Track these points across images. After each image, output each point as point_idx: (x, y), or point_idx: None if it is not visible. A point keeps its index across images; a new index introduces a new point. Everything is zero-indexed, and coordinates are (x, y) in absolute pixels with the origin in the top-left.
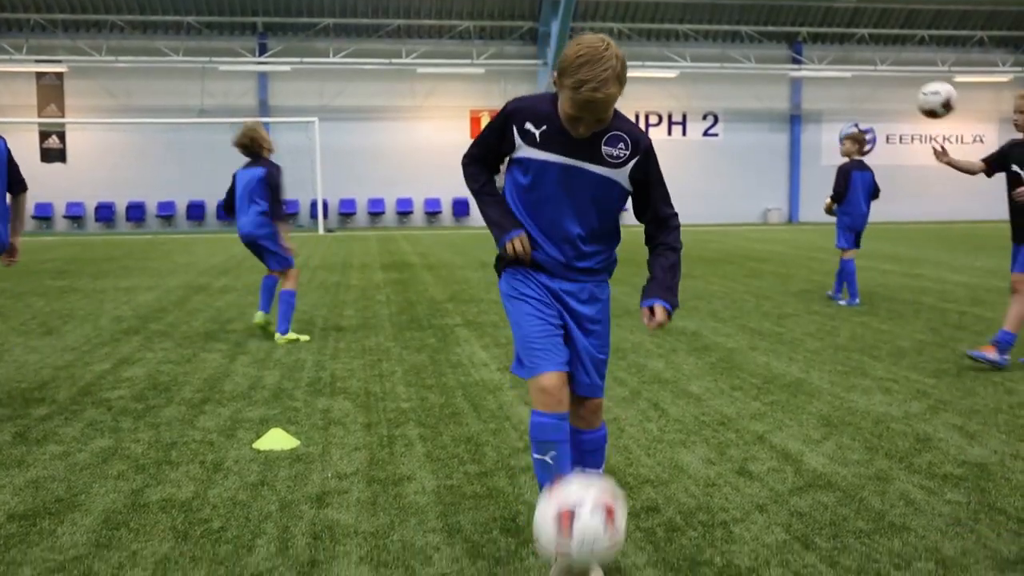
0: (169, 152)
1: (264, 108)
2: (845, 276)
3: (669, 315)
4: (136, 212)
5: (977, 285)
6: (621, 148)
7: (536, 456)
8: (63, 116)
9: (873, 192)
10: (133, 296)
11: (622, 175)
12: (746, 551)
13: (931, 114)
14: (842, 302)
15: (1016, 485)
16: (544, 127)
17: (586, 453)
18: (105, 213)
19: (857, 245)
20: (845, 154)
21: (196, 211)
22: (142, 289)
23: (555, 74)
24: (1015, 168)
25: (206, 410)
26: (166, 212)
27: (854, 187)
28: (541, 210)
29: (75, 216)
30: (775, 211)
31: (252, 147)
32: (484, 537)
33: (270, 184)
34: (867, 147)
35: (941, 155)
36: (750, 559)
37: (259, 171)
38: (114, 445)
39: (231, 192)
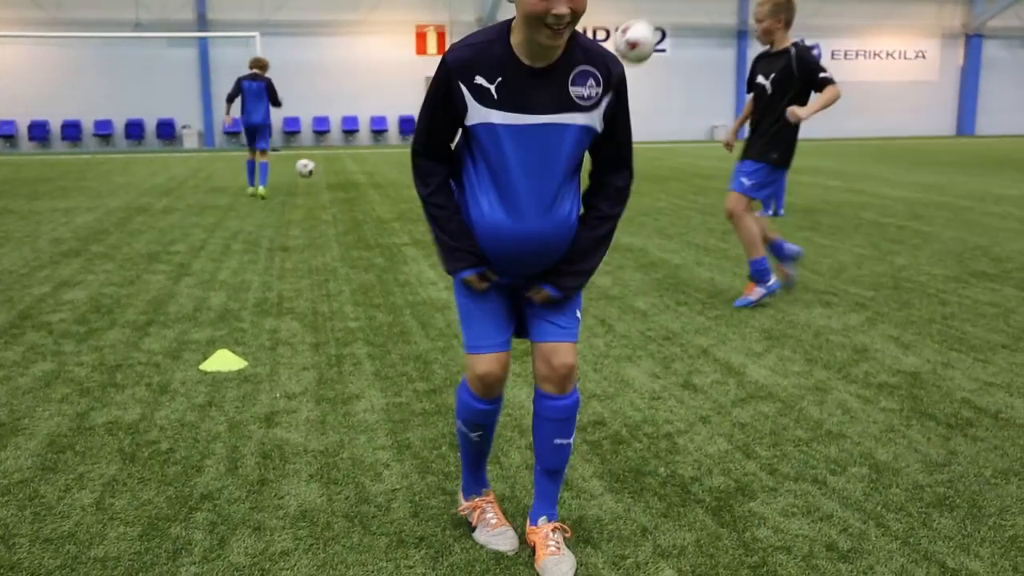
0: (104, 68)
1: (202, 22)
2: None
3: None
4: (72, 131)
5: (916, 200)
6: (591, 86)
7: (461, 428)
8: None
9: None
10: (72, 218)
11: (596, 117)
12: (689, 461)
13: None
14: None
15: (946, 392)
16: (500, 78)
17: (553, 422)
18: (39, 132)
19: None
20: None
21: (135, 130)
22: (81, 210)
23: None
24: (760, 80)
25: (151, 332)
26: (103, 131)
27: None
28: (505, 182)
29: (6, 135)
30: (722, 128)
31: (261, 68)
32: (433, 453)
33: (273, 89)
34: None
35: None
36: (693, 469)
37: (264, 82)
38: (57, 368)
39: (237, 92)
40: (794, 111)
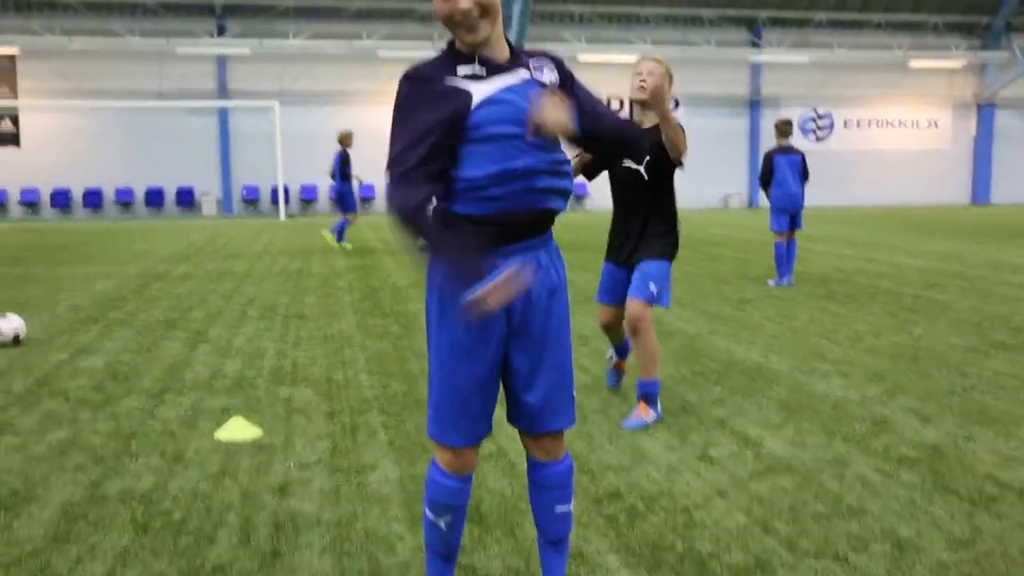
0: (127, 137)
1: (223, 91)
2: (775, 257)
3: None
4: (93, 198)
5: (931, 269)
6: (549, 71)
7: (428, 515)
8: (16, 98)
9: (803, 174)
10: (91, 284)
11: None
12: (707, 536)
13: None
14: (771, 283)
15: (968, 466)
16: (474, 60)
17: (550, 490)
18: (61, 199)
19: (792, 227)
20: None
21: (155, 198)
22: (100, 277)
23: None
24: (629, 163)
25: (166, 400)
26: (124, 199)
27: (780, 170)
28: (499, 161)
29: (30, 203)
30: (735, 196)
31: (340, 140)
32: None
33: (339, 161)
34: (791, 132)
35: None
36: (711, 544)
37: (338, 154)
38: (72, 436)
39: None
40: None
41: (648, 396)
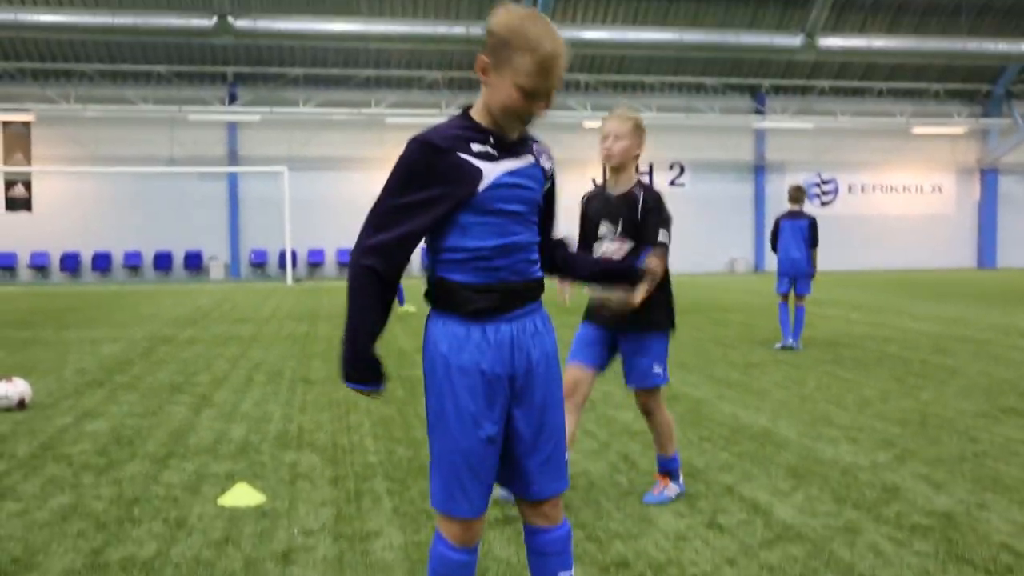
0: (137, 201)
1: (233, 157)
2: (779, 319)
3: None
4: (102, 262)
5: (939, 333)
6: (549, 162)
7: None
8: (29, 164)
9: (808, 239)
10: (97, 348)
11: (546, 186)
12: None
13: None
14: (776, 346)
15: (983, 535)
16: (488, 138)
17: (551, 556)
18: (70, 263)
19: (798, 290)
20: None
21: (163, 261)
22: (107, 340)
23: (485, 58)
24: (606, 229)
25: (170, 465)
26: (132, 262)
27: (783, 234)
28: (503, 237)
29: (40, 266)
30: (741, 260)
31: None
32: None
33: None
34: (800, 197)
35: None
36: None
37: None
38: (74, 502)
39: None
40: (653, 264)
41: (670, 472)
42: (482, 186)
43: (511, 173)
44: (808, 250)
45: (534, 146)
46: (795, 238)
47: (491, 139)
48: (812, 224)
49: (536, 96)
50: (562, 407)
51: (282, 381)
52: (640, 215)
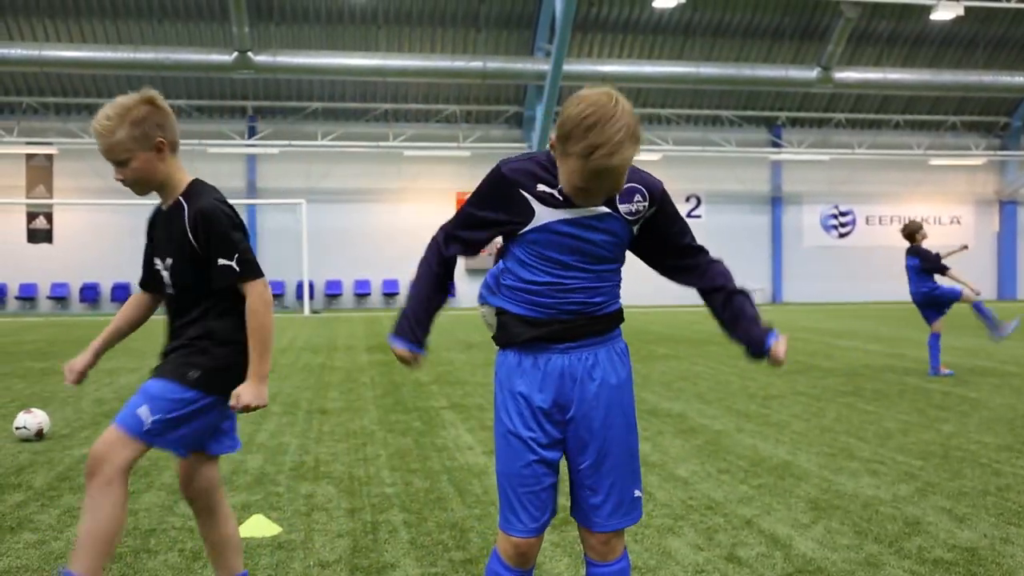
0: None
1: (252, 190)
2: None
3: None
4: (121, 292)
5: (960, 365)
6: (638, 201)
7: None
8: (51, 197)
9: (921, 270)
10: (116, 378)
11: (636, 226)
12: None
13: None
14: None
15: (1007, 570)
16: (558, 186)
17: None
18: (90, 294)
19: (929, 319)
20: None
21: None
22: (125, 371)
23: (553, 138)
24: (159, 267)
25: None
26: None
27: (906, 270)
28: (555, 276)
29: (59, 297)
30: (758, 291)
31: None
32: None
33: None
34: (909, 235)
35: None
36: None
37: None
38: None
39: None
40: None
41: None
42: (531, 226)
43: (567, 222)
44: (923, 283)
45: (617, 198)
46: (909, 274)
47: (558, 187)
48: (922, 258)
49: (590, 193)
50: (629, 441)
51: (298, 412)
52: (195, 238)
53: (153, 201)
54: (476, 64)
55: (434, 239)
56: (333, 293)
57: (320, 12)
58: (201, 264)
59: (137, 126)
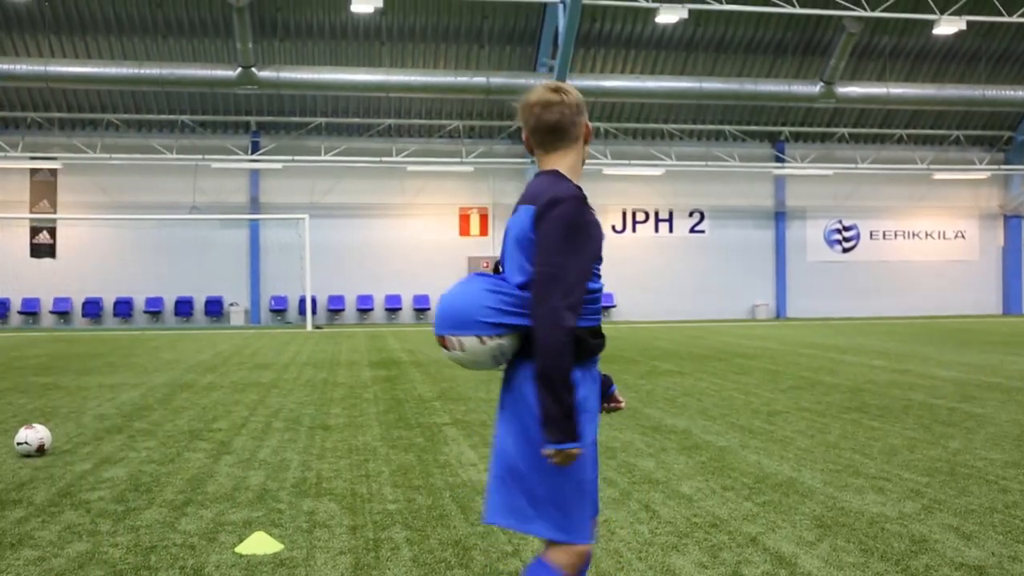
0: (159, 248)
1: (255, 205)
2: None
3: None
4: (123, 308)
5: (966, 381)
6: None
7: None
8: (55, 212)
9: None
10: (117, 393)
11: None
12: None
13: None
14: None
15: None
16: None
17: None
18: (92, 308)
19: None
20: None
21: (184, 307)
22: (127, 386)
23: (586, 124)
24: None
25: (188, 512)
26: (154, 308)
27: None
28: (600, 281)
29: (62, 312)
30: (762, 307)
31: None
32: None
33: None
34: None
35: None
36: None
37: None
38: (92, 549)
39: None
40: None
41: None
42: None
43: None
44: None
45: None
46: None
47: None
48: None
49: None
50: None
51: (300, 428)
52: None
53: (150, 216)
54: (479, 80)
55: (557, 325)
56: (336, 308)
57: (324, 28)
58: None
59: None
